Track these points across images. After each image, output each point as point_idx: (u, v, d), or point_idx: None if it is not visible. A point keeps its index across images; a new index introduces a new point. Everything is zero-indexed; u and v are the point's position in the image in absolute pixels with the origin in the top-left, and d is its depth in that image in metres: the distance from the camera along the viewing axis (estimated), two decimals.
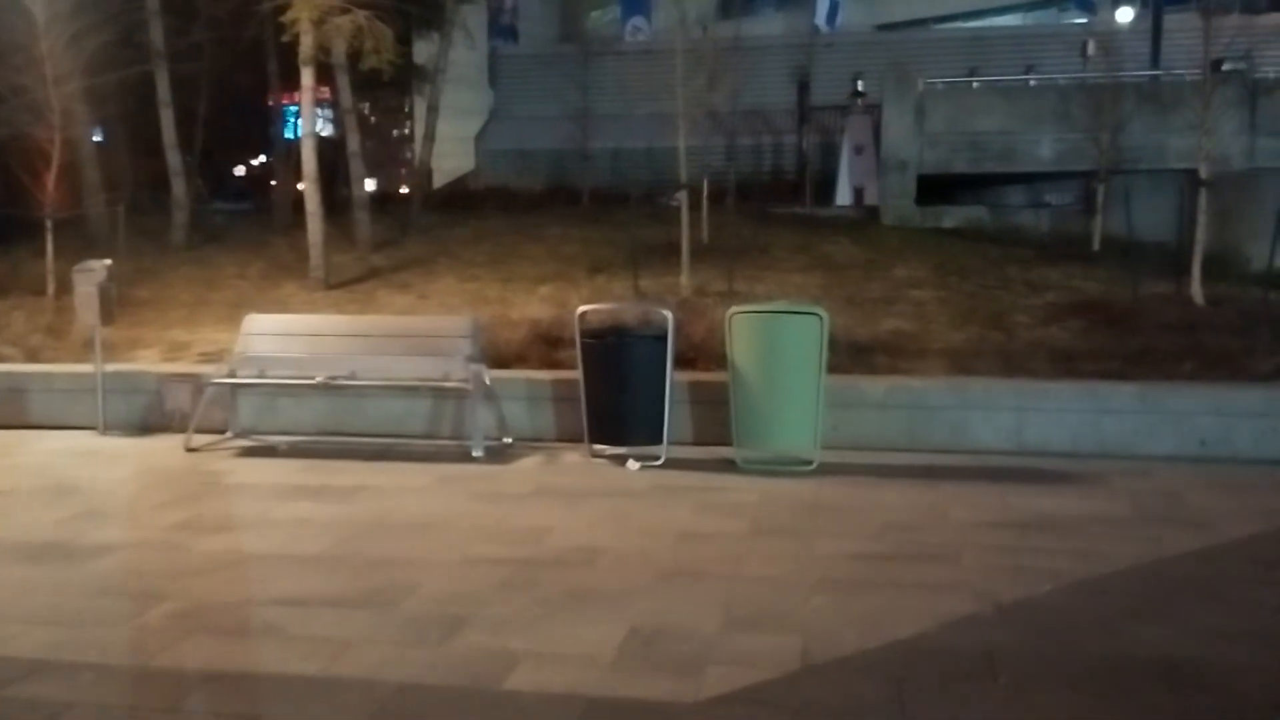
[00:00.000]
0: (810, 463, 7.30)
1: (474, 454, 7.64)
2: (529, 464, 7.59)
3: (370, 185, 15.73)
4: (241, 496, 6.73)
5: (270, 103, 19.22)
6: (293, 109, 19.56)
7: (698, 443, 8.00)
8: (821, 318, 7.26)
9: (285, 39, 10.83)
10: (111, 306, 8.43)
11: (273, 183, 19.32)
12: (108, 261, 8.45)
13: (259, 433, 8.41)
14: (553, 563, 5.40)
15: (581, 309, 7.69)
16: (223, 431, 8.35)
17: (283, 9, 10.83)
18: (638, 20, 32.71)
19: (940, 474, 7.20)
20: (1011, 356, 8.75)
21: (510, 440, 8.11)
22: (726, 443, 7.59)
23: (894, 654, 4.21)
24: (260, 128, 19.99)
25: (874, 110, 18.34)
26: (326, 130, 25.36)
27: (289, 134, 20.34)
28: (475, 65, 27.01)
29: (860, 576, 5.18)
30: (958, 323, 9.76)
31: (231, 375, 8.13)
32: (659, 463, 7.45)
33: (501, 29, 33.66)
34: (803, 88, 21.85)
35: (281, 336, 8.23)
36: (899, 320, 9.86)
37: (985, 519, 6.14)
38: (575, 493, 6.78)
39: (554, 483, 7.06)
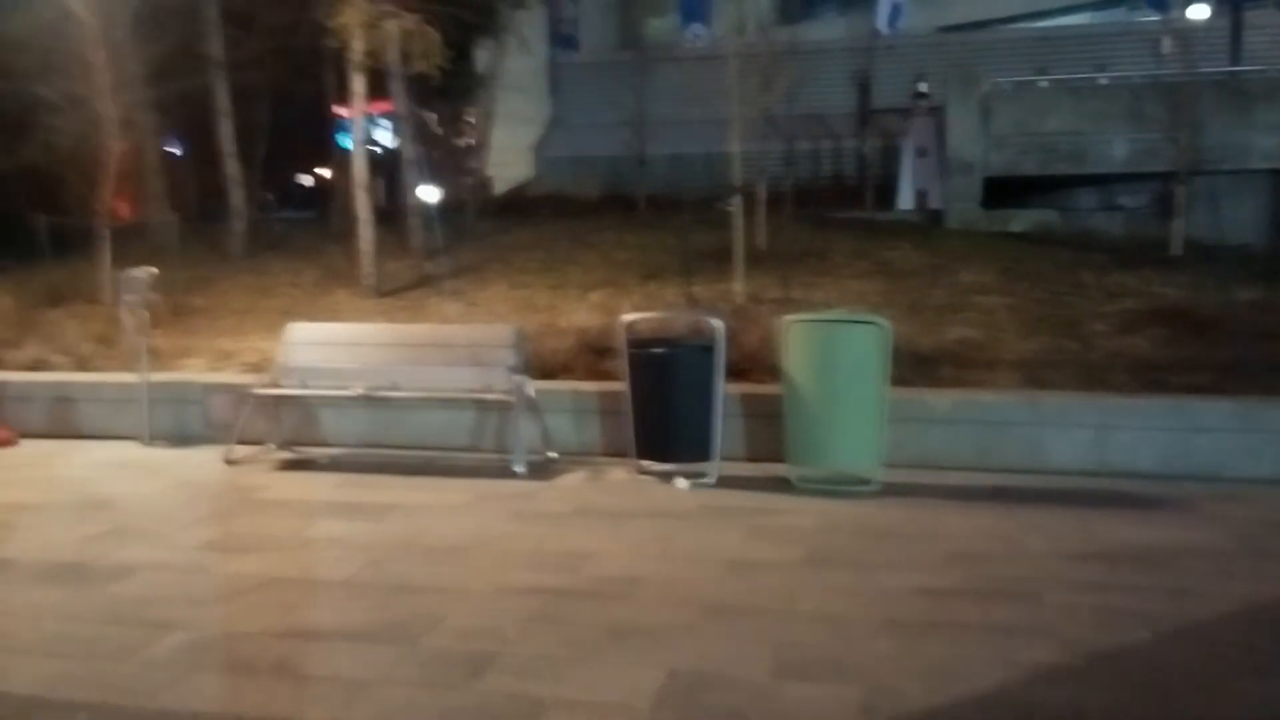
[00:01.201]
0: (871, 482, 6.74)
1: (515, 469, 7.19)
2: (572, 481, 7.12)
3: (435, 194, 15.44)
4: (274, 514, 6.35)
5: (331, 112, 19.04)
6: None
7: (750, 459, 7.47)
8: (883, 327, 6.70)
9: (335, 45, 10.50)
10: (156, 315, 8.14)
11: (330, 191, 19.15)
12: (153, 270, 8.17)
13: (300, 444, 8.06)
14: (589, 594, 4.92)
15: (628, 318, 7.21)
16: (265, 443, 8.02)
17: (335, 18, 10.51)
18: (697, 26, 32.14)
19: (1013, 497, 6.59)
20: (1089, 368, 8.08)
21: (555, 455, 7.65)
22: (781, 459, 7.06)
23: (967, 711, 3.66)
24: (322, 137, 19.81)
25: (937, 112, 17.66)
26: (391, 141, 25.24)
27: (347, 143, 20.19)
28: (535, 74, 26.76)
29: (928, 616, 4.62)
30: (1029, 331, 9.10)
31: (274, 385, 7.78)
32: (709, 481, 6.94)
33: (561, 38, 33.37)
34: (863, 90, 21.22)
35: (323, 346, 7.87)
36: (965, 329, 9.22)
37: (1067, 550, 5.53)
38: (618, 513, 6.29)
39: (597, 502, 6.58)
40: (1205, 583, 5.03)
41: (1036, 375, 8.05)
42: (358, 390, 7.47)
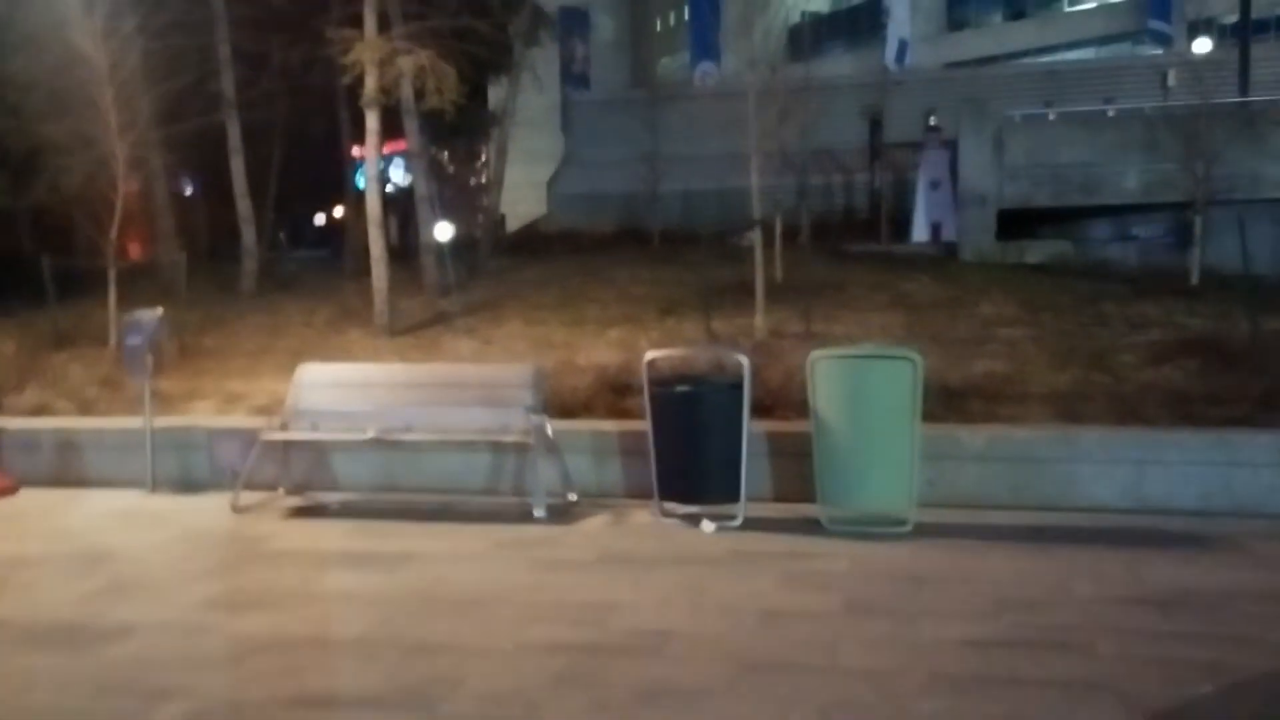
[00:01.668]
0: (905, 523, 6.37)
1: (535, 514, 6.84)
2: (594, 525, 6.76)
3: (448, 232, 15.21)
4: (283, 565, 6.00)
5: (345, 151, 18.90)
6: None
7: (778, 499, 7.10)
8: (915, 362, 6.36)
9: (347, 80, 10.26)
10: (162, 358, 7.84)
11: (345, 229, 18.95)
12: (159, 310, 7.88)
13: (312, 489, 7.71)
14: (617, 650, 4.55)
15: (649, 355, 6.87)
16: (275, 488, 7.68)
17: (348, 54, 10.29)
18: (707, 65, 32.17)
19: (1053, 537, 6.21)
20: (1122, 401, 7.72)
21: (575, 497, 7.29)
22: (810, 500, 6.69)
23: None
24: (336, 176, 19.65)
25: (949, 145, 17.42)
26: (405, 179, 25.11)
27: (360, 182, 20.08)
28: (549, 112, 26.72)
29: (977, 670, 4.26)
30: (1057, 364, 8.74)
31: (283, 429, 7.46)
32: (736, 523, 6.58)
33: (574, 77, 33.45)
34: (874, 125, 21.04)
35: (335, 388, 7.53)
36: (992, 361, 8.87)
37: (1116, 594, 5.15)
38: (644, 560, 5.93)
39: (621, 548, 6.22)
40: (1264, 629, 4.66)
41: (1068, 409, 7.69)
42: (370, 433, 7.13)
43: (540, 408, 7.20)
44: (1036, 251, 15.89)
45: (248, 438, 7.47)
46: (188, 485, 7.95)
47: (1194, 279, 12.75)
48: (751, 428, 6.72)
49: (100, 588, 5.60)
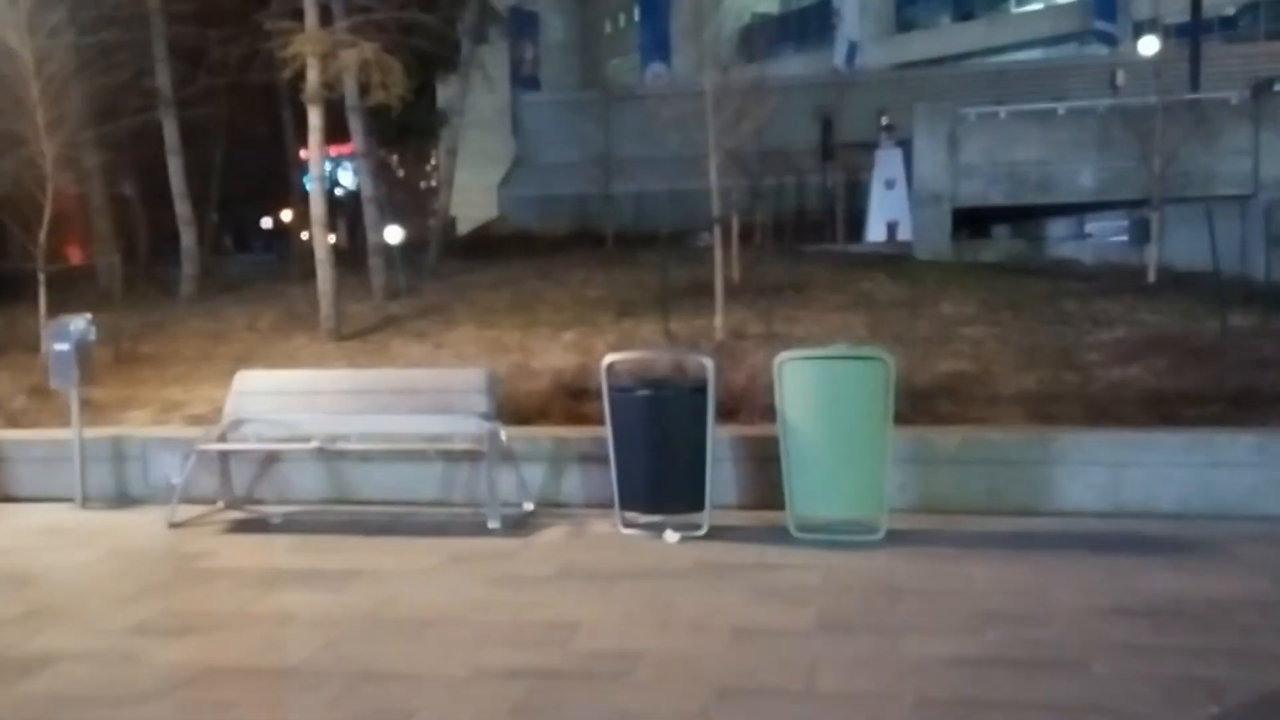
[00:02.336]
0: (877, 530, 6.08)
1: (490, 525, 6.45)
2: (552, 536, 6.40)
3: (398, 235, 14.78)
4: (220, 585, 5.56)
5: (292, 153, 18.32)
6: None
7: (743, 507, 6.79)
8: (887, 362, 6.07)
9: (288, 75, 9.78)
10: (91, 365, 7.34)
11: (293, 233, 18.38)
12: (87, 315, 7.38)
13: (253, 502, 7.27)
14: (580, 675, 4.20)
15: (608, 358, 6.51)
16: (214, 502, 7.22)
17: (288, 47, 9.81)
18: (658, 66, 31.91)
19: (1032, 543, 5.95)
20: (1093, 401, 7.52)
21: (531, 507, 6.92)
22: (777, 506, 6.37)
23: None
24: (282, 179, 19.06)
25: (904, 144, 17.30)
26: (354, 182, 24.51)
27: (307, 184, 19.50)
28: (499, 114, 26.29)
29: (966, 692, 3.95)
30: (1023, 363, 8.54)
31: (220, 439, 7.01)
32: (701, 533, 6.24)
33: (523, 79, 32.97)
34: (826, 126, 20.92)
35: (276, 395, 7.09)
36: (957, 361, 8.65)
37: (1103, 604, 4.88)
38: (606, 574, 5.57)
39: (581, 561, 5.86)
40: (1264, 641, 4.41)
41: (1039, 410, 7.47)
42: (313, 443, 6.70)
43: (494, 414, 6.82)
44: (992, 250, 15.84)
45: (184, 448, 7.01)
46: (121, 499, 7.47)
47: (1151, 276, 12.69)
48: (715, 433, 6.40)
49: (18, 614, 5.12)
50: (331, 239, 11.36)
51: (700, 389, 6.33)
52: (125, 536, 6.59)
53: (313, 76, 9.81)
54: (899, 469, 6.36)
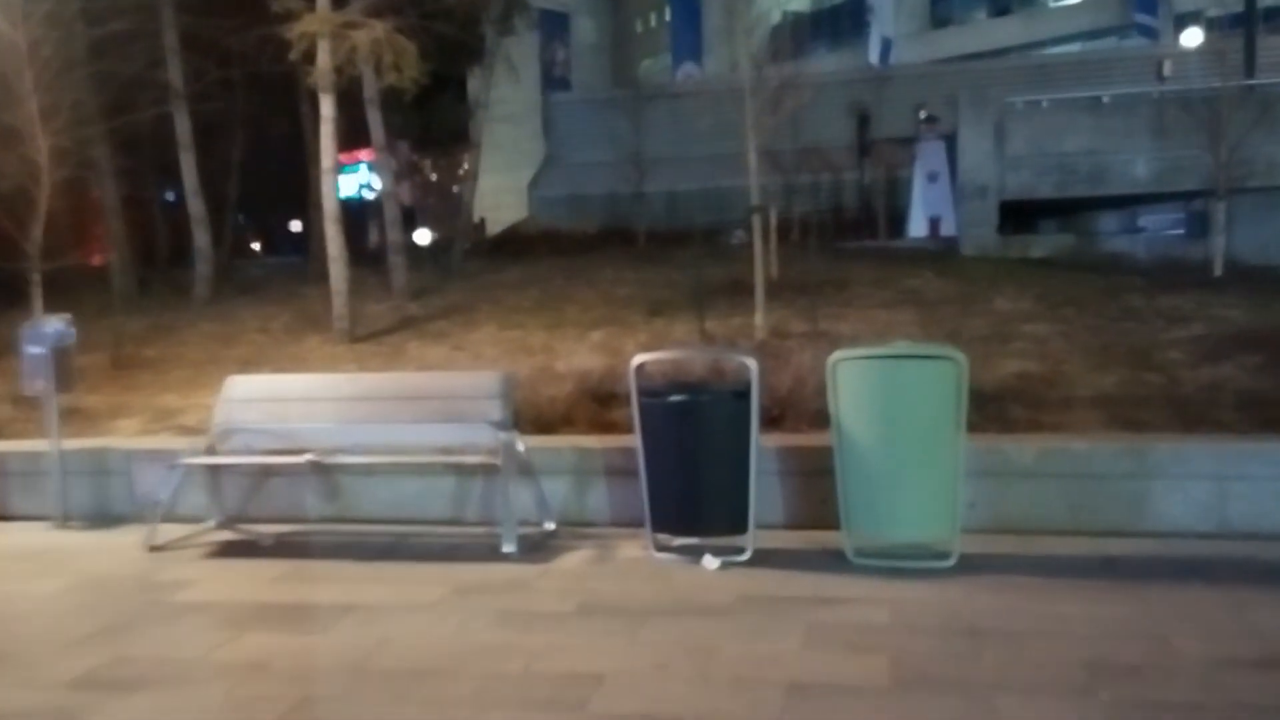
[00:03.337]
0: (948, 556, 5.17)
1: (504, 549, 5.59)
2: (574, 562, 5.53)
3: (422, 232, 13.98)
4: (189, 624, 4.73)
5: (314, 153, 17.61)
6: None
7: (791, 526, 5.89)
8: (958, 362, 5.16)
9: (294, 56, 8.97)
10: (70, 370, 6.57)
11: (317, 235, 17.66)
12: (66, 316, 6.62)
13: (246, 521, 6.45)
14: None
15: (638, 359, 5.63)
16: (204, 520, 6.42)
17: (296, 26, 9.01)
18: (689, 66, 31.09)
19: (1130, 571, 5.01)
20: (1183, 405, 6.53)
21: (552, 526, 6.06)
22: (830, 526, 5.49)
23: None
24: (309, 181, 18.36)
25: (946, 138, 16.32)
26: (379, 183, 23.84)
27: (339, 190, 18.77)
28: (530, 116, 25.58)
29: None
30: (1096, 362, 7.57)
31: (209, 451, 6.20)
32: (744, 558, 5.36)
33: (555, 81, 32.28)
34: (863, 121, 19.98)
35: (270, 402, 6.27)
36: (1022, 361, 7.69)
37: (1233, 652, 3.95)
38: (635, 610, 4.70)
39: (606, 593, 4.98)
40: None
41: (1123, 415, 6.50)
42: (308, 455, 5.87)
43: (510, 422, 5.96)
44: (1041, 245, 14.79)
45: (170, 462, 6.21)
46: (103, 517, 6.69)
47: (1218, 270, 11.63)
48: (760, 442, 5.51)
49: None
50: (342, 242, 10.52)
51: (742, 393, 5.45)
52: (98, 561, 5.80)
53: (323, 59, 9.01)
54: (969, 484, 5.43)
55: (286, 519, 6.42)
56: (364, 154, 26.56)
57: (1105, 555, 5.23)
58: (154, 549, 5.94)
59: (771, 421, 6.37)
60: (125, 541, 6.15)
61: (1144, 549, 5.31)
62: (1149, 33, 28.15)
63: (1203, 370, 7.15)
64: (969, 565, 5.11)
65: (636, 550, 5.62)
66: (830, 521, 5.49)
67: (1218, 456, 5.59)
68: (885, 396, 5.21)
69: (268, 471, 6.42)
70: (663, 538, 5.61)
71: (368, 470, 6.26)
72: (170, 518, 6.14)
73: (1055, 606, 4.55)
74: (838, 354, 5.35)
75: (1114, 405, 6.63)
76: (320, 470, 6.15)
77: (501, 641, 4.36)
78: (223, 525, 6.38)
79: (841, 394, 5.30)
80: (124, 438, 7.26)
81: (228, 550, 6.02)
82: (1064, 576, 4.96)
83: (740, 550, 5.39)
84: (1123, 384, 7.00)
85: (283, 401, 6.25)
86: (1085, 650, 4.05)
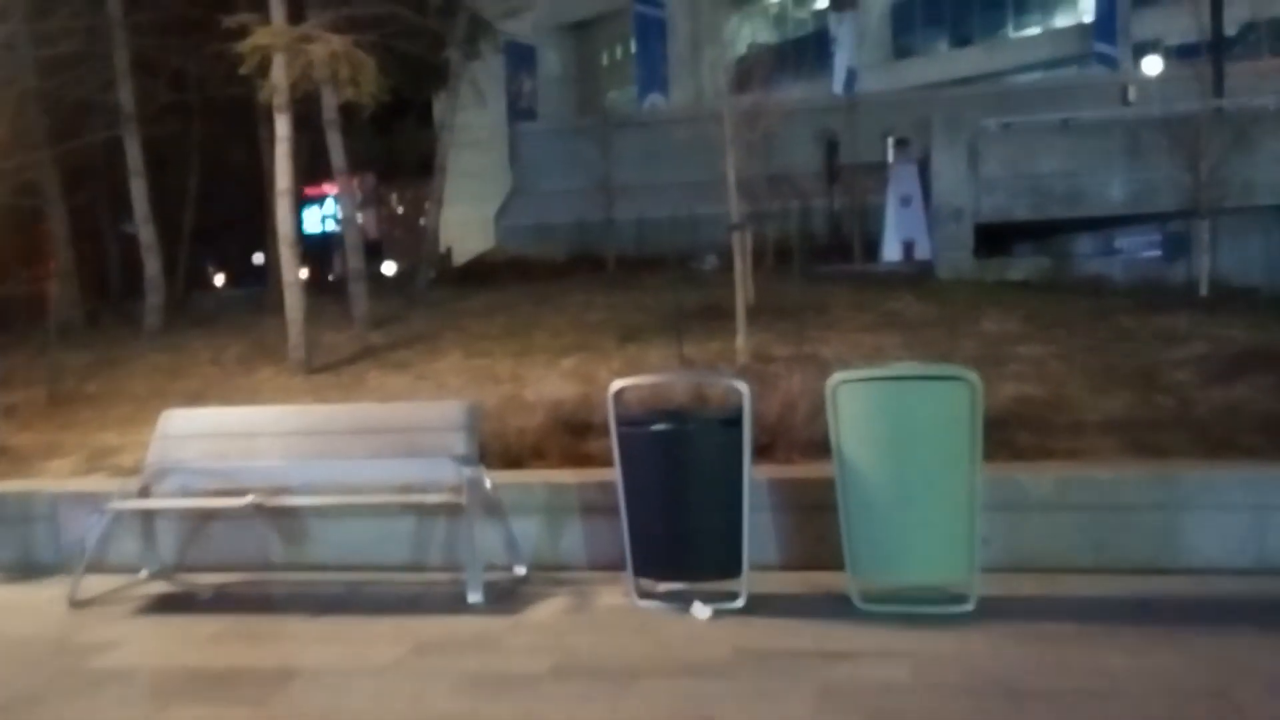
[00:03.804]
0: (966, 599, 4.59)
1: (470, 598, 4.95)
2: (547, 612, 4.88)
3: (391, 268, 13.40)
4: (104, 698, 4.03)
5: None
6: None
7: (788, 567, 5.29)
8: (971, 383, 4.61)
9: (244, 71, 8.34)
10: None
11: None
12: None
13: (183, 570, 5.76)
14: None
15: (617, 384, 5.03)
16: (138, 570, 5.72)
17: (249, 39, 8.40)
18: (655, 97, 30.67)
19: (1169, 614, 4.45)
20: (1204, 428, 6.02)
21: (523, 571, 5.41)
22: (832, 567, 4.89)
23: None
24: (266, 209, 17.71)
25: (919, 161, 15.99)
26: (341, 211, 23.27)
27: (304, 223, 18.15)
28: (496, 145, 25.15)
29: None
30: (1100, 384, 7.06)
31: (142, 494, 5.51)
32: (738, 604, 4.75)
33: (521, 112, 31.80)
34: (831, 149, 19.74)
35: (209, 438, 5.59)
36: (1021, 384, 7.17)
37: None
38: (618, 670, 4.06)
39: (585, 650, 4.34)
40: None
41: (1138, 440, 5.97)
42: (249, 497, 5.19)
43: (475, 456, 5.32)
44: (1019, 268, 14.40)
45: (100, 506, 5.51)
46: (26, 568, 5.96)
47: (1204, 290, 11.25)
48: (752, 474, 4.92)
49: None
50: (306, 272, 9.93)
51: (732, 420, 4.86)
52: (12, 620, 5.09)
53: (278, 74, 8.40)
54: (983, 517, 4.86)
55: (228, 567, 5.72)
56: (330, 187, 25.94)
57: (1138, 596, 4.67)
58: (77, 605, 5.23)
59: (762, 451, 5.75)
60: (46, 596, 5.43)
61: (1179, 588, 4.76)
62: (1109, 61, 28.15)
63: (1214, 391, 6.66)
64: (989, 610, 4.53)
65: (617, 597, 4.98)
66: (830, 561, 4.89)
67: (1252, 485, 5.07)
68: (892, 422, 4.64)
69: (207, 515, 5.73)
70: (646, 583, 4.98)
71: (318, 512, 5.59)
72: (98, 568, 5.45)
73: (1096, 659, 3.97)
74: (838, 376, 4.78)
75: (1127, 429, 6.10)
76: (265, 513, 5.47)
77: (466, 711, 3.72)
78: (157, 576, 5.68)
79: (843, 420, 4.72)
80: (52, 480, 6.54)
81: (161, 605, 5.31)
82: (1097, 622, 4.39)
83: (733, 596, 4.78)
84: (1132, 407, 6.48)
85: (225, 437, 5.58)
86: (1139, 710, 3.47)
